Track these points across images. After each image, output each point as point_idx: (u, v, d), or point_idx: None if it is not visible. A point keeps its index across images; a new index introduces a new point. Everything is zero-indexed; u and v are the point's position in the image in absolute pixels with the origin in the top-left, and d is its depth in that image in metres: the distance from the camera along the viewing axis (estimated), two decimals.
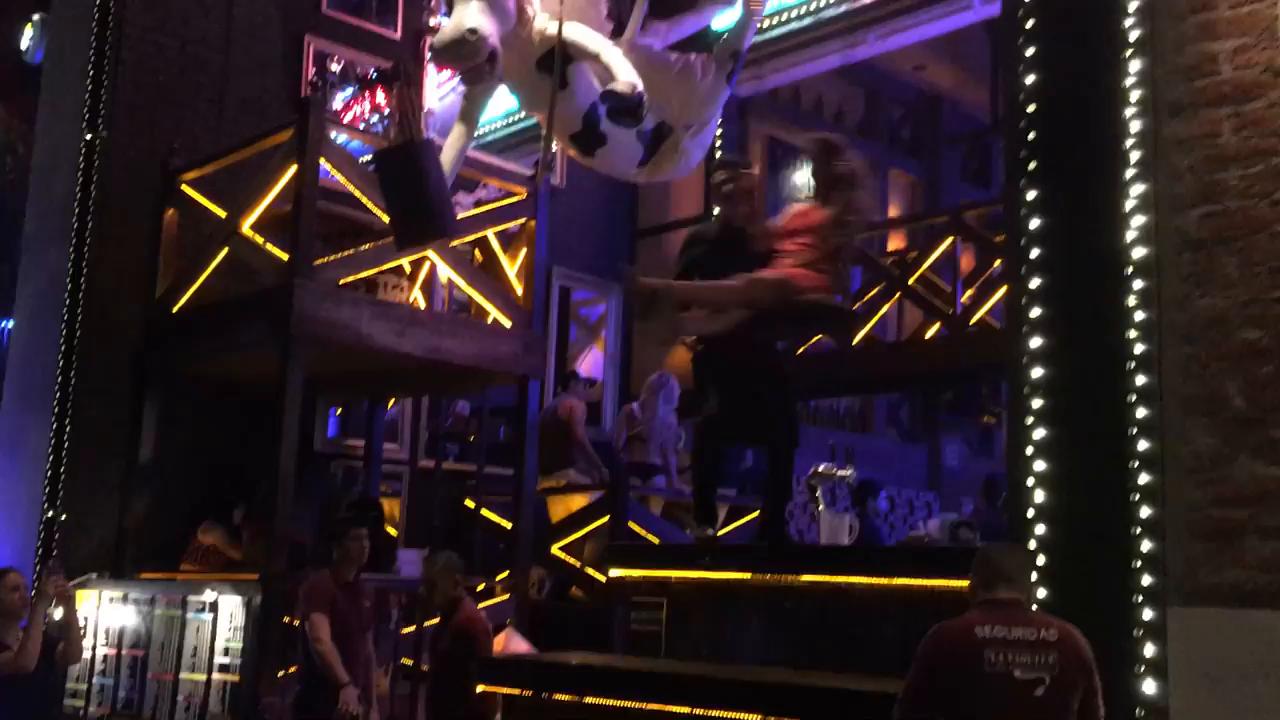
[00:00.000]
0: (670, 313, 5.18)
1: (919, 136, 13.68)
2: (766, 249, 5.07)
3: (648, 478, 8.35)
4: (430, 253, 7.01)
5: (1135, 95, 3.79)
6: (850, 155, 5.01)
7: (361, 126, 8.73)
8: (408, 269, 7.64)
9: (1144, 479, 3.74)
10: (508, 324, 7.33)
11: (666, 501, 8.25)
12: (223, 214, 7.12)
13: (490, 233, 7.50)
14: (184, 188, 7.46)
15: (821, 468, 5.51)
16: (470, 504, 8.19)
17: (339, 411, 9.21)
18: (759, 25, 6.41)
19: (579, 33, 5.23)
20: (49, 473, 7.51)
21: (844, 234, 4.95)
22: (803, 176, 13.08)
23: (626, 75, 5.05)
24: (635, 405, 8.70)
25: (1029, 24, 4.07)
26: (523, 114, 9.46)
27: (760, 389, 5.17)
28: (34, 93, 8.89)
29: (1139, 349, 3.76)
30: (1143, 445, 3.75)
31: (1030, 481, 3.93)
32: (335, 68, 9.19)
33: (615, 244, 10.75)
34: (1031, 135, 3.99)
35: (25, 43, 10.37)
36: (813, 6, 9.12)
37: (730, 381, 5.13)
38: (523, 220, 7.62)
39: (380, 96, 8.60)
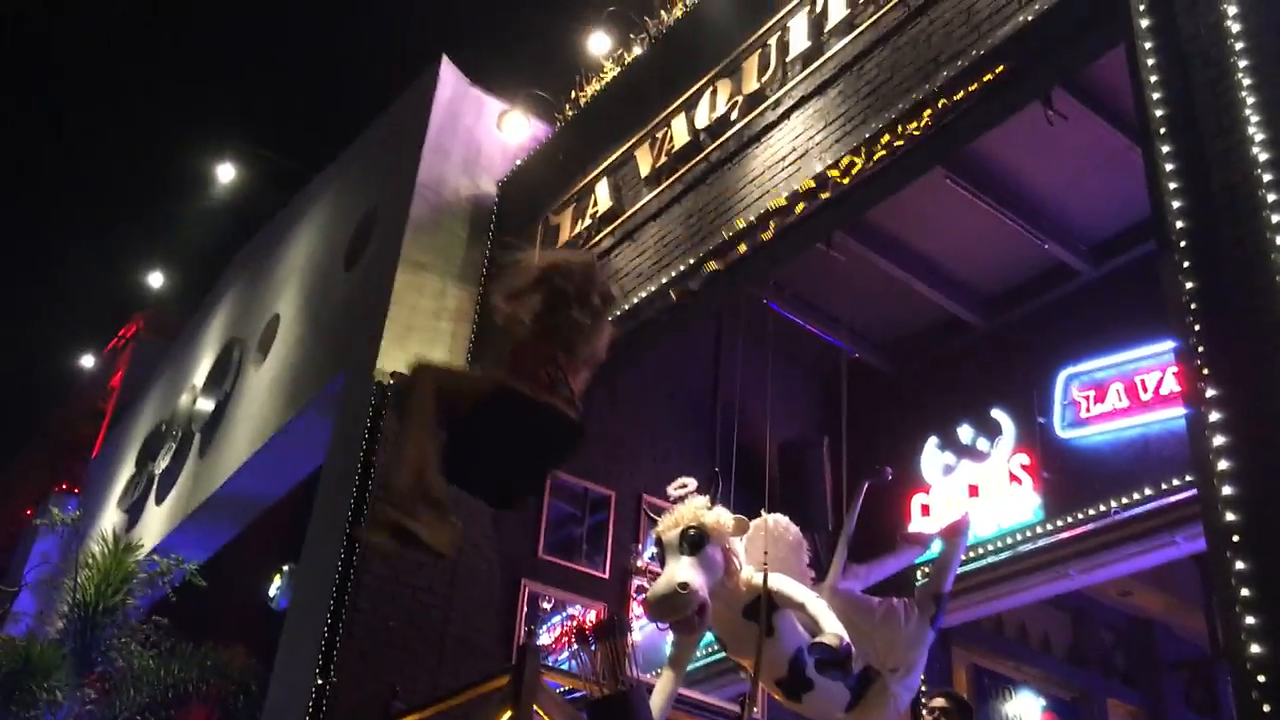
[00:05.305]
0: None
1: (1133, 664, 13.02)
2: None
3: None
4: None
5: None
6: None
7: (563, 656, 8.98)
8: None
9: None
10: None
11: None
12: None
13: None
14: None
15: None
16: None
17: None
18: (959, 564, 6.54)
19: (783, 583, 5.46)
20: None
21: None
22: (1013, 706, 12.48)
23: (832, 627, 5.17)
24: None
25: (1238, 565, 4.11)
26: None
27: None
28: (274, 636, 9.61)
29: None
30: None
31: None
32: (546, 605, 9.70)
33: None
34: (1261, 678, 3.87)
35: (273, 591, 11.45)
36: (1010, 541, 9.22)
37: None
38: None
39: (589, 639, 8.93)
